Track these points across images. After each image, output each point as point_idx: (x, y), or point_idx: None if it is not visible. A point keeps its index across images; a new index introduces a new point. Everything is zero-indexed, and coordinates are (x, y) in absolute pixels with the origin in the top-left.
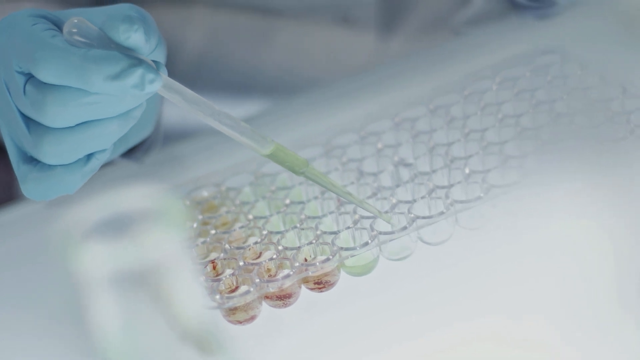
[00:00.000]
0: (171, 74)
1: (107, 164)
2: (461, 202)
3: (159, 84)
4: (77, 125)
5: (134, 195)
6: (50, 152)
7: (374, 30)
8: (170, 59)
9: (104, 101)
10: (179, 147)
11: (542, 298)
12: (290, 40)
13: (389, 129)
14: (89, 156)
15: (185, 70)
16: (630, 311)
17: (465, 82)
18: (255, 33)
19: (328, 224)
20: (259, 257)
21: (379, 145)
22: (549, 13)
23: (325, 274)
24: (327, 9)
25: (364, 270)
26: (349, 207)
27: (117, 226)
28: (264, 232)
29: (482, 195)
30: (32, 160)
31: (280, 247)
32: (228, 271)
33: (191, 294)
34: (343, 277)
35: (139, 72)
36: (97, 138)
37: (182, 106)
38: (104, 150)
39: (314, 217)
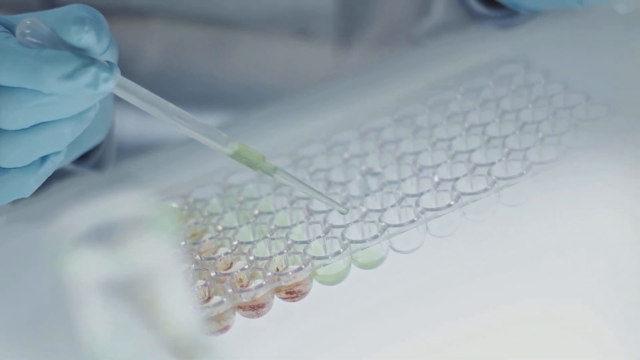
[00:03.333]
0: None
1: (74, 175)
2: (432, 209)
3: (113, 82)
4: (32, 127)
5: (123, 203)
6: (4, 154)
7: (332, 41)
8: (127, 72)
9: (57, 102)
10: (143, 159)
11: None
12: (248, 52)
13: (354, 139)
14: (44, 159)
15: (143, 83)
16: None
17: (428, 93)
18: (214, 46)
19: (298, 233)
20: (229, 267)
21: (346, 155)
22: (509, 23)
23: (297, 284)
24: (285, 21)
25: (336, 279)
26: (319, 217)
27: (107, 233)
28: (234, 243)
29: (452, 202)
30: None
31: (251, 257)
32: (200, 282)
33: (179, 302)
34: (316, 286)
35: (92, 71)
36: (52, 140)
37: (139, 106)
38: (58, 153)
39: (284, 227)
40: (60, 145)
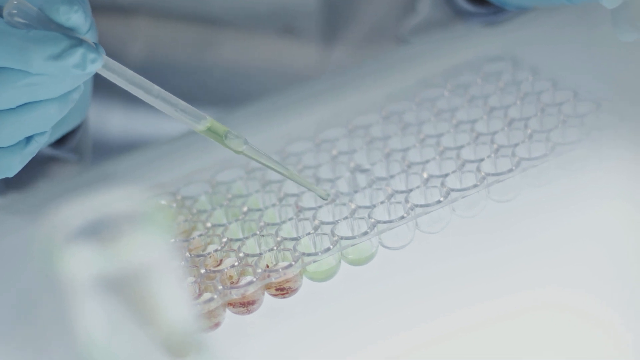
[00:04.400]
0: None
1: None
2: (421, 206)
3: (100, 63)
4: (18, 107)
5: (118, 198)
6: None
7: (317, 39)
8: None
9: (44, 82)
10: (130, 157)
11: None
12: (233, 50)
13: (342, 135)
14: (29, 139)
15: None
16: None
17: (415, 90)
18: (199, 44)
19: (287, 230)
20: (219, 264)
21: (334, 152)
22: (496, 20)
23: (287, 280)
24: (269, 19)
25: (326, 275)
26: (308, 214)
27: (99, 230)
28: (224, 240)
29: (441, 199)
30: None
31: (241, 254)
32: (190, 279)
33: (172, 298)
34: (306, 282)
35: (80, 51)
36: (37, 120)
37: (123, 86)
38: (43, 133)
39: (273, 224)
40: (46, 125)
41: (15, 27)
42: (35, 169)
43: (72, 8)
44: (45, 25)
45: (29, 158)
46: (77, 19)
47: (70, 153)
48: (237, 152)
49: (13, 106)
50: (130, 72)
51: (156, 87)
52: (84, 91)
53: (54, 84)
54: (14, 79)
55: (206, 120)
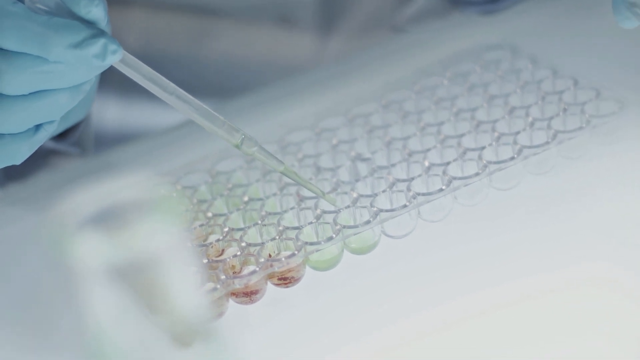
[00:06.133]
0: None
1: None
2: (423, 194)
3: (120, 55)
4: (31, 94)
5: (128, 186)
6: (1, 119)
7: (313, 29)
8: None
9: (59, 71)
10: (128, 147)
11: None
12: (230, 40)
13: (342, 125)
14: (38, 127)
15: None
16: None
17: (414, 78)
18: (195, 34)
19: (289, 219)
20: (221, 254)
21: (334, 141)
22: (493, 9)
23: (290, 270)
24: (266, 8)
25: (329, 264)
26: (310, 203)
27: (109, 218)
28: (225, 230)
29: (443, 187)
30: None
31: (243, 244)
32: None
33: (180, 286)
34: (308, 272)
35: (101, 42)
36: (48, 108)
37: (140, 82)
38: (52, 122)
39: (275, 214)
40: (56, 114)
41: (37, 14)
42: (37, 162)
43: (94, 2)
44: (65, 16)
45: (37, 146)
46: (97, 12)
47: (72, 147)
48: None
49: (26, 92)
50: (146, 68)
51: (172, 85)
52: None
53: (69, 73)
54: (31, 64)
55: (220, 121)
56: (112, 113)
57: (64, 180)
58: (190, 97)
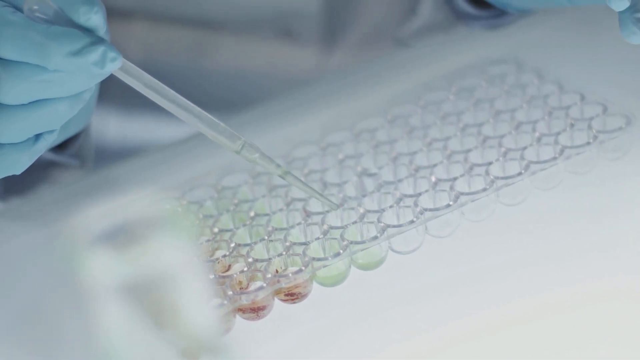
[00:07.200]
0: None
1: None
2: (431, 210)
3: (119, 63)
4: (30, 103)
5: (134, 201)
6: (1, 129)
7: (316, 43)
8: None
9: (59, 80)
10: (131, 162)
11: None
12: (232, 54)
13: (348, 140)
14: (38, 136)
15: (123, 85)
16: None
17: (420, 93)
18: (196, 47)
19: (296, 235)
20: (227, 270)
21: (340, 156)
22: (498, 23)
23: (297, 286)
24: (268, 22)
25: (336, 280)
26: (317, 219)
27: (119, 233)
28: (232, 245)
29: (451, 203)
30: None
31: (250, 260)
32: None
33: (194, 301)
34: (316, 287)
35: (101, 49)
36: (48, 118)
37: (140, 90)
38: (52, 132)
39: (282, 229)
40: (56, 124)
41: (35, 22)
42: (38, 174)
43: (93, 9)
44: (64, 24)
45: (37, 156)
46: (96, 19)
47: (72, 158)
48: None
49: (25, 102)
50: (147, 76)
51: (172, 92)
52: (91, 95)
53: (69, 81)
54: (30, 74)
55: (222, 127)
56: (114, 127)
57: (67, 195)
58: (191, 104)
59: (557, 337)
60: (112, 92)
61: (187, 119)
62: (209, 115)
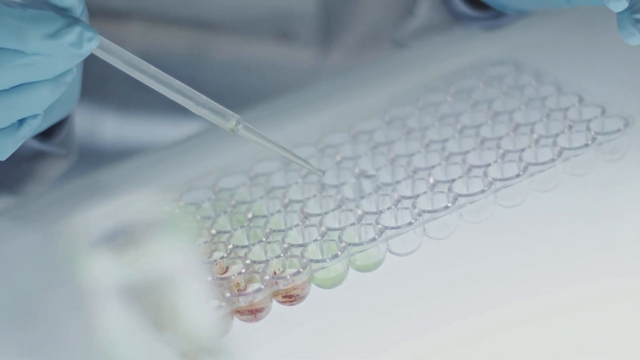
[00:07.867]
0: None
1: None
2: (429, 211)
3: (97, 42)
4: (11, 88)
5: (132, 203)
6: None
7: (313, 44)
8: (104, 75)
9: (38, 63)
10: (128, 163)
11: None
12: (229, 55)
13: (346, 141)
14: (21, 121)
15: (120, 86)
16: None
17: (417, 94)
18: (193, 48)
19: (294, 237)
20: (225, 272)
21: (338, 158)
22: (496, 24)
23: (295, 287)
24: (266, 23)
25: (334, 282)
26: (314, 220)
27: (117, 234)
28: (229, 247)
29: (449, 204)
30: None
31: (247, 261)
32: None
33: (193, 302)
34: (313, 289)
35: (77, 30)
36: (31, 102)
37: (120, 67)
38: (35, 116)
39: (279, 231)
40: (39, 108)
41: (10, 7)
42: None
43: None
44: (39, 5)
45: (22, 141)
46: (71, 0)
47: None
48: (231, 131)
49: (7, 87)
50: (126, 53)
51: (152, 68)
52: (74, 79)
53: (49, 64)
54: (10, 59)
55: (203, 99)
56: (110, 128)
57: (64, 196)
58: (172, 78)
59: (556, 338)
60: (108, 93)
61: (169, 93)
62: (190, 89)
